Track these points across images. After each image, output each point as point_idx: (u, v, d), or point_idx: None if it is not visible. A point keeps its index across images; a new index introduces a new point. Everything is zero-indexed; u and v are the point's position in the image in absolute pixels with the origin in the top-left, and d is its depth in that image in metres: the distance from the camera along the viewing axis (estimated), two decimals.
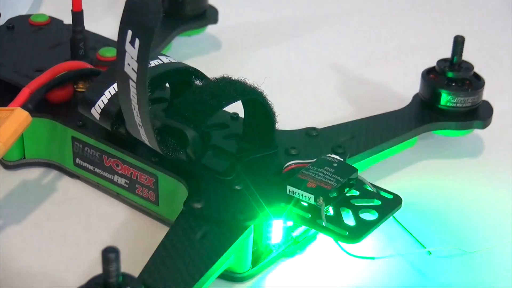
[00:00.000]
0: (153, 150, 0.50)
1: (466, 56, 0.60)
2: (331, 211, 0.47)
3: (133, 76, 0.45)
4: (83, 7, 0.59)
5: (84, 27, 0.59)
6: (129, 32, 0.44)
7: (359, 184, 0.49)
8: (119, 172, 0.53)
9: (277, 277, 0.49)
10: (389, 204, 0.48)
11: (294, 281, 0.48)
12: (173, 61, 0.54)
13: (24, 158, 0.57)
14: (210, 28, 0.75)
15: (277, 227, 0.49)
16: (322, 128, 0.56)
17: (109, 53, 0.60)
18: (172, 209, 0.51)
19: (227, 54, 0.74)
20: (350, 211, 0.47)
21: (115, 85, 0.51)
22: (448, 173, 0.59)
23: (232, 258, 0.47)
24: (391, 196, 0.49)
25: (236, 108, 0.53)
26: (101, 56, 0.60)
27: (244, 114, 0.54)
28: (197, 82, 0.53)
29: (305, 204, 0.47)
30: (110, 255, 0.38)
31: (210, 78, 0.53)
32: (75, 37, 0.59)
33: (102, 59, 0.60)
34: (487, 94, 0.60)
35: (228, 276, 0.48)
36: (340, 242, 0.47)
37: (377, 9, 0.84)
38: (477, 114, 0.59)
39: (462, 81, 0.59)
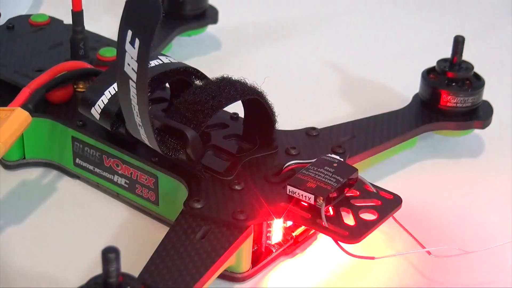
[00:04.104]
0: (153, 150, 0.50)
1: (466, 56, 0.60)
2: (331, 211, 0.47)
3: (133, 76, 0.45)
4: (83, 7, 0.59)
5: (84, 27, 0.59)
6: (129, 32, 0.44)
7: (359, 184, 0.49)
8: (119, 172, 0.53)
9: (277, 277, 0.49)
10: (389, 204, 0.48)
11: (294, 281, 0.48)
12: (173, 61, 0.54)
13: (24, 158, 0.57)
14: (210, 28, 0.75)
15: (277, 227, 0.49)
16: (322, 128, 0.56)
17: (109, 53, 0.60)
18: (172, 209, 0.51)
19: (227, 54, 0.74)
20: (350, 211, 0.47)
21: (115, 85, 0.51)
22: (448, 173, 0.59)
23: (232, 258, 0.47)
24: (391, 196, 0.49)
25: (236, 108, 0.53)
26: (101, 56, 0.60)
27: (244, 114, 0.54)
28: (197, 82, 0.53)
29: (305, 204, 0.47)
30: (110, 255, 0.38)
31: (210, 78, 0.53)
32: (75, 37, 0.59)
33: (102, 59, 0.60)
34: (487, 94, 0.60)
35: (228, 276, 0.48)
36: (340, 242, 0.46)
37: (377, 9, 0.84)
38: (477, 114, 0.59)
39: (462, 81, 0.59)
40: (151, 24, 0.43)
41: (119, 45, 0.45)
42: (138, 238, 0.51)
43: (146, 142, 0.49)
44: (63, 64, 0.57)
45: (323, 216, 0.46)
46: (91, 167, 0.54)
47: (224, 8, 0.75)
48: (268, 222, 0.48)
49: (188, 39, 0.74)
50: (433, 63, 0.60)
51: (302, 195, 0.47)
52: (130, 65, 0.45)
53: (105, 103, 0.52)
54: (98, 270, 0.39)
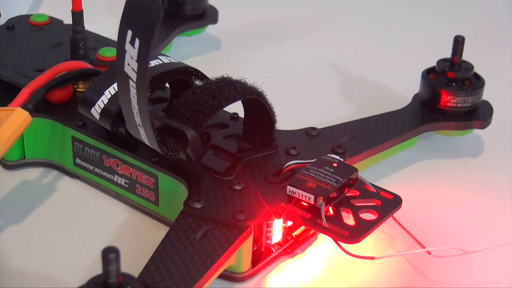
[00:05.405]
0: (153, 150, 0.50)
1: (466, 56, 0.60)
2: (331, 211, 0.47)
3: (133, 76, 0.45)
4: (83, 7, 0.59)
5: (84, 27, 0.59)
6: (129, 32, 0.44)
7: (359, 184, 0.49)
8: (119, 172, 0.53)
9: (277, 277, 0.49)
10: (389, 204, 0.48)
11: (294, 281, 0.48)
12: (173, 61, 0.54)
13: (24, 158, 0.57)
14: (210, 28, 0.75)
15: (277, 227, 0.49)
16: (322, 128, 0.56)
17: (109, 53, 0.60)
18: (172, 209, 0.51)
19: (227, 54, 0.74)
20: (350, 211, 0.47)
21: (115, 85, 0.51)
22: (448, 173, 0.59)
23: (232, 258, 0.47)
24: (391, 196, 0.49)
25: (236, 108, 0.53)
26: (101, 56, 0.60)
27: (244, 114, 0.54)
28: (197, 82, 0.54)
29: (305, 204, 0.47)
30: (110, 255, 0.38)
31: (210, 78, 0.53)
32: (75, 37, 0.59)
33: (102, 59, 0.60)
34: (487, 94, 0.60)
35: (228, 276, 0.48)
36: (340, 242, 0.46)
37: (377, 9, 0.84)
38: (477, 114, 0.59)
39: (462, 81, 0.59)
40: (151, 24, 0.43)
41: (119, 45, 0.45)
42: (138, 238, 0.51)
43: (146, 142, 0.49)
44: (63, 64, 0.57)
45: (323, 216, 0.46)
46: (91, 167, 0.54)
47: (224, 8, 0.76)
48: (268, 222, 0.48)
49: (188, 39, 0.75)
50: (433, 63, 0.60)
51: (302, 195, 0.47)
52: (130, 65, 0.45)
53: (105, 103, 0.52)
54: (98, 270, 0.39)
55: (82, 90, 0.57)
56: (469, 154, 0.61)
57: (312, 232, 0.51)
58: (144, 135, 0.48)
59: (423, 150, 0.60)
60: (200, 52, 0.74)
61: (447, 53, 0.60)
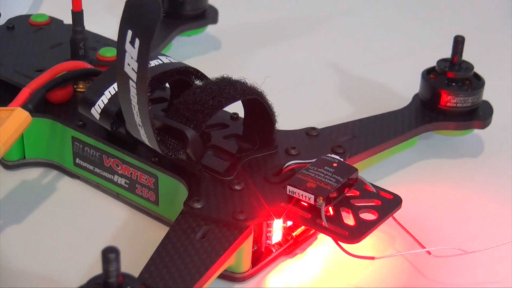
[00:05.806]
0: (153, 150, 0.50)
1: (466, 56, 0.60)
2: (331, 211, 0.47)
3: (133, 76, 0.45)
4: (83, 7, 0.59)
5: (84, 27, 0.59)
6: (129, 32, 0.44)
7: (359, 184, 0.49)
8: (119, 172, 0.53)
9: (277, 277, 0.49)
10: (389, 204, 0.48)
11: (294, 281, 0.48)
12: (173, 61, 0.54)
13: (24, 158, 0.57)
14: (210, 28, 0.75)
15: (277, 227, 0.49)
16: (322, 128, 0.56)
17: (109, 53, 0.60)
18: (172, 209, 0.51)
19: (227, 54, 0.74)
20: (350, 211, 0.47)
21: (115, 85, 0.51)
22: (448, 173, 0.59)
23: (232, 258, 0.47)
24: (391, 196, 0.49)
25: (236, 108, 0.53)
26: (101, 56, 0.60)
27: (244, 114, 0.54)
28: (197, 82, 0.54)
29: (305, 204, 0.47)
30: (110, 255, 0.38)
31: (210, 78, 0.53)
32: (75, 37, 0.59)
33: (102, 59, 0.60)
34: (487, 94, 0.60)
35: (228, 276, 0.48)
36: (340, 242, 0.46)
37: (377, 9, 0.84)
38: (477, 114, 0.59)
39: (462, 81, 0.59)
40: (151, 24, 0.43)
41: (119, 45, 0.45)
42: (138, 238, 0.51)
43: (146, 142, 0.49)
44: (63, 64, 0.57)
45: (323, 216, 0.46)
46: (91, 167, 0.54)
47: (224, 8, 0.76)
48: (268, 222, 0.48)
49: (188, 39, 0.75)
50: (433, 63, 0.60)
51: (302, 195, 0.47)
52: (130, 65, 0.45)
53: (105, 103, 0.52)
54: (98, 270, 0.39)
55: (82, 90, 0.57)
56: (469, 154, 0.61)
57: (312, 232, 0.51)
58: (144, 135, 0.48)
59: (423, 150, 0.60)
60: (200, 52, 0.74)
61: (447, 53, 0.60)
